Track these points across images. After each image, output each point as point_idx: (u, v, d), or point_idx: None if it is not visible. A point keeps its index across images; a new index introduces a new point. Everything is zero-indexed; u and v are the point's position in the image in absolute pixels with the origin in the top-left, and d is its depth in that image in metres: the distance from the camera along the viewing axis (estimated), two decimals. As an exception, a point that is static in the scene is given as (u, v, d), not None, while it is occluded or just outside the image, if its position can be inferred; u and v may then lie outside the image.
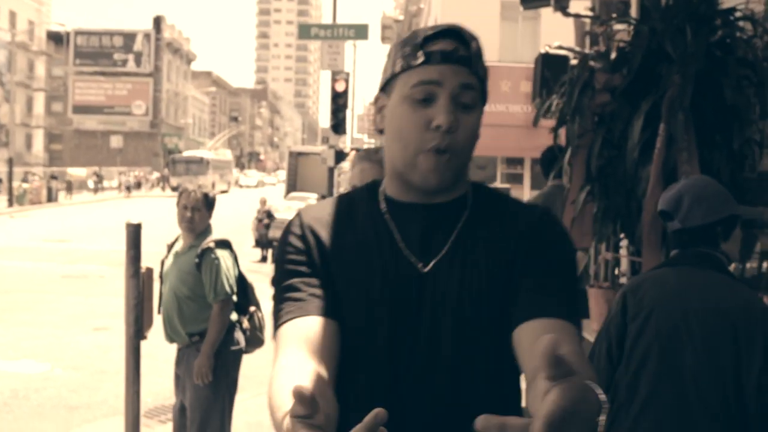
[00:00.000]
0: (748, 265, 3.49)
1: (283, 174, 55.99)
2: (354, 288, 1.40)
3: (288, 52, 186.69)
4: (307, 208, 1.52)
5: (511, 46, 19.42)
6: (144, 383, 4.15)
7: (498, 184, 16.89)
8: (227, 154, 60.02)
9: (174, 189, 44.68)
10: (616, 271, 4.10)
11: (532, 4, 6.70)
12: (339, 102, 18.95)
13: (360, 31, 18.66)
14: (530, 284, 1.36)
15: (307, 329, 1.35)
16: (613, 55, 3.68)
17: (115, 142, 55.05)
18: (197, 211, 4.06)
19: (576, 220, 3.54)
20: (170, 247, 4.26)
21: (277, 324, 1.38)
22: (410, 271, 1.40)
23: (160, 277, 4.15)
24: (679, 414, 2.18)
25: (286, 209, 20.69)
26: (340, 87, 18.50)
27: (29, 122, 52.15)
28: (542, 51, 5.75)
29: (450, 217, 1.43)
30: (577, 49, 5.68)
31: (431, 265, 1.40)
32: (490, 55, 11.79)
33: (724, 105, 3.04)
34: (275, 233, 17.59)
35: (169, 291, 4.08)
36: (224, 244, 4.14)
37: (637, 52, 3.32)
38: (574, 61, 4.92)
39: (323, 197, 19.62)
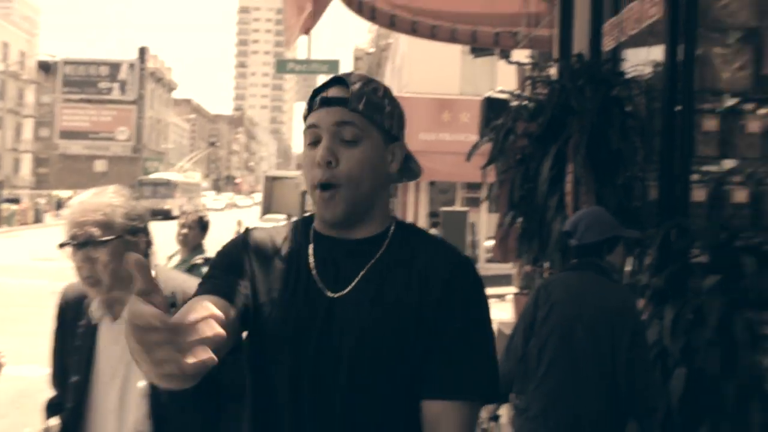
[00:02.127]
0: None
1: (258, 196, 55.64)
2: (267, 306, 1.43)
3: (265, 80, 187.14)
4: (254, 228, 1.57)
5: (471, 80, 20.01)
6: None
7: (458, 207, 17.55)
8: (196, 177, 57.21)
9: None
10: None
11: (480, 53, 7.40)
12: (312, 131, 19.50)
13: (332, 66, 19.24)
14: (442, 349, 1.37)
15: (211, 301, 1.27)
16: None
17: (99, 166, 55.15)
18: (191, 230, 4.63)
19: (502, 240, 4.16)
20: (170, 258, 4.82)
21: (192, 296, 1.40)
22: (318, 298, 1.41)
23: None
24: (573, 378, 2.88)
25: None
26: (313, 117, 19.02)
27: (18, 147, 52.02)
28: (486, 95, 6.41)
29: (365, 253, 1.44)
30: (517, 92, 6.35)
31: (339, 294, 1.41)
32: (452, 89, 12.42)
33: (612, 149, 3.69)
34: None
35: (162, 298, 4.66)
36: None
37: (548, 105, 3.96)
38: (515, 103, 5.59)
39: (290, 218, 20.14)
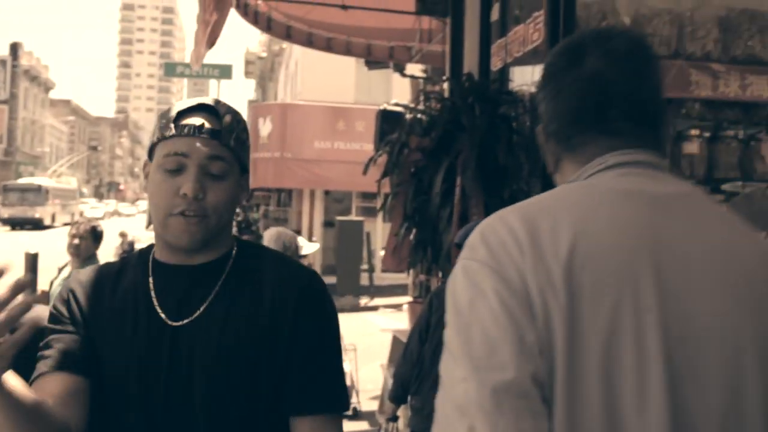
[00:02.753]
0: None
1: (144, 204, 53.62)
2: (108, 347, 1.42)
3: (150, 82, 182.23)
4: (76, 273, 1.55)
5: (366, 88, 20.23)
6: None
7: (353, 216, 17.79)
8: (72, 182, 53.40)
9: (5, 222, 39.12)
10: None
11: (375, 66, 7.67)
12: (203, 137, 19.26)
13: (224, 71, 19.19)
14: (299, 369, 1.41)
15: (53, 385, 1.36)
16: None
17: (-33, 170, 52.20)
18: (83, 240, 4.66)
19: (396, 249, 4.42)
20: (60, 269, 4.82)
21: (34, 378, 1.39)
22: (161, 328, 1.42)
23: (48, 295, 4.72)
24: None
25: (148, 239, 20.70)
26: (204, 123, 18.79)
27: None
28: (381, 108, 6.67)
29: (210, 277, 1.45)
30: (411, 105, 6.65)
31: (185, 321, 1.42)
32: (347, 97, 12.64)
33: (499, 164, 4.02)
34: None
35: (54, 309, 4.66)
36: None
37: (440, 122, 4.25)
38: (409, 116, 5.87)
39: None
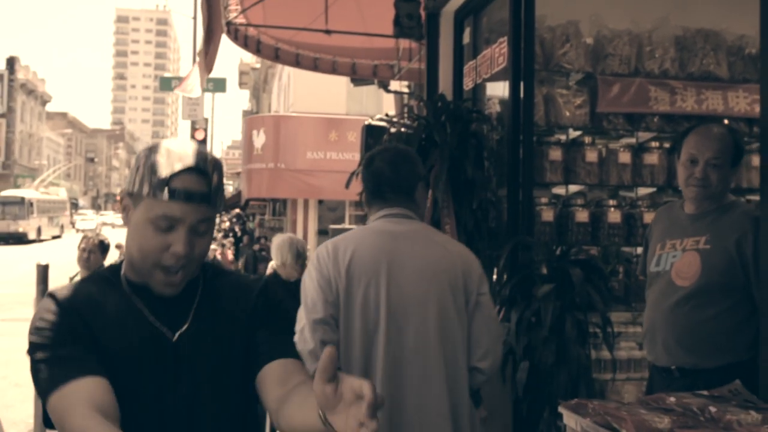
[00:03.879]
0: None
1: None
2: (119, 355, 1.52)
3: (145, 93, 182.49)
4: (58, 291, 1.61)
5: (357, 100, 20.52)
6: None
7: (347, 224, 18.10)
8: (61, 193, 50.74)
9: None
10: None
11: (360, 82, 8.02)
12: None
13: (218, 85, 19.47)
14: (265, 337, 1.61)
15: (89, 389, 1.42)
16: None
17: (-35, 183, 52.36)
18: (93, 253, 5.01)
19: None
20: (71, 279, 5.17)
21: (53, 386, 1.44)
22: (163, 340, 1.56)
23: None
24: None
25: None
26: (199, 136, 19.09)
27: None
28: (366, 123, 7.00)
29: (187, 294, 1.61)
30: (395, 120, 6.99)
31: (178, 335, 1.57)
32: (338, 109, 12.97)
33: (468, 177, 4.36)
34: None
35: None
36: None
37: (415, 138, 4.59)
38: (393, 130, 6.20)
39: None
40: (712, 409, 1.95)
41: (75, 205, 68.83)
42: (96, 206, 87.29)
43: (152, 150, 1.55)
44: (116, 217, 68.51)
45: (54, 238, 42.67)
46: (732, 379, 2.26)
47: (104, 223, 57.37)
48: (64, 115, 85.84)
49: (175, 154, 1.52)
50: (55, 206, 45.58)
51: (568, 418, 2.09)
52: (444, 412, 2.50)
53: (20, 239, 37.17)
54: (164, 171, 1.49)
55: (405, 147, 2.91)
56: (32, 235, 38.78)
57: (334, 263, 2.48)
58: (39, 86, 69.70)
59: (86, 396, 1.39)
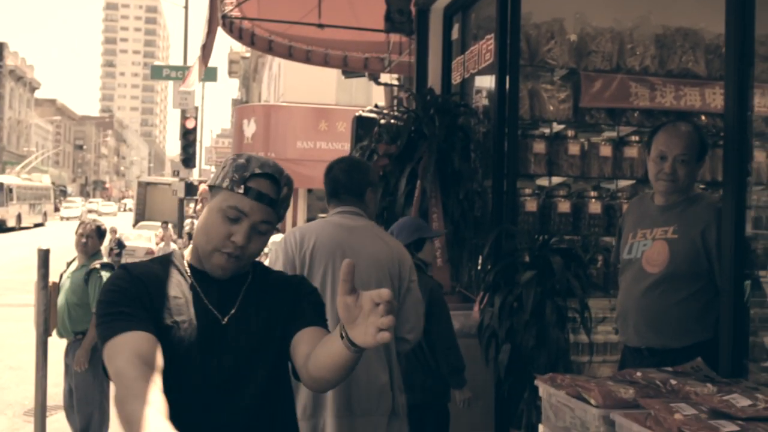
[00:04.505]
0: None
1: (130, 202, 52.18)
2: (173, 328, 1.73)
3: (134, 81, 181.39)
4: (130, 265, 1.82)
5: (347, 90, 20.58)
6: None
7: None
8: (45, 179, 48.45)
9: None
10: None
11: (351, 75, 8.17)
12: (189, 138, 19.59)
13: (209, 74, 19.46)
14: (302, 315, 1.82)
15: (137, 340, 1.61)
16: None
17: (-47, 169, 52.01)
18: (90, 239, 5.14)
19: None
20: (69, 264, 5.30)
21: (111, 334, 1.63)
22: (214, 320, 1.77)
23: (59, 286, 5.20)
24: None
25: (136, 237, 21.00)
26: (190, 124, 19.15)
27: None
28: (357, 114, 7.16)
29: (237, 284, 1.83)
30: (385, 111, 7.14)
31: (227, 318, 1.78)
32: (328, 99, 13.03)
33: (455, 168, 4.53)
34: (126, 261, 17.92)
35: (62, 298, 5.15)
36: (107, 267, 5.24)
37: (404, 131, 4.76)
38: (383, 121, 6.36)
39: (165, 224, 20.11)
40: (673, 381, 2.14)
41: (63, 192, 68.08)
42: (84, 193, 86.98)
43: (241, 156, 1.82)
44: (103, 205, 66.84)
45: (36, 225, 41.57)
46: (696, 357, 2.45)
47: (90, 211, 55.40)
48: (52, 102, 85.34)
49: (258, 162, 1.79)
50: (38, 193, 44.11)
51: (543, 391, 2.27)
52: (383, 364, 3.06)
53: None
54: (246, 171, 1.75)
55: (359, 158, 3.59)
56: (11, 223, 37.51)
57: (299, 248, 3.02)
58: (28, 73, 69.26)
59: (133, 345, 1.59)
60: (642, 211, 3.09)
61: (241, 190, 1.74)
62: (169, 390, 1.55)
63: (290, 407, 1.92)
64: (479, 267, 4.50)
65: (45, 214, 45.11)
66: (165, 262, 1.86)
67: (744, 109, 2.67)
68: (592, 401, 2.02)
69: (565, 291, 4.00)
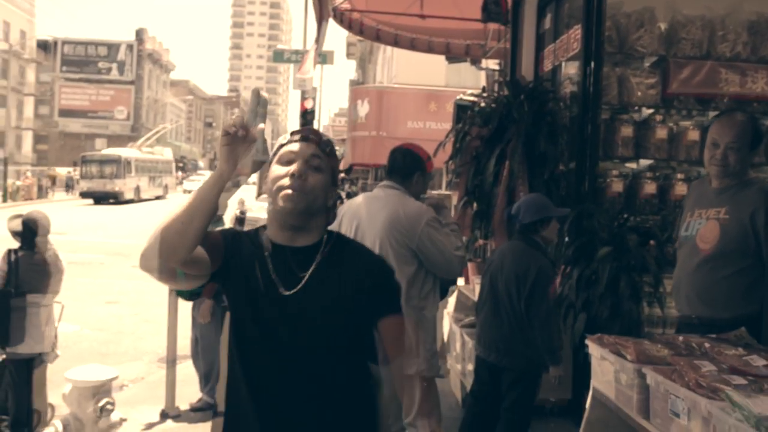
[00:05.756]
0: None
1: (254, 176, 53.92)
2: (242, 290, 1.86)
3: (259, 62, 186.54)
4: (242, 233, 1.97)
5: (456, 72, 20.65)
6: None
7: (443, 191, 18.46)
8: (166, 153, 47.32)
9: (84, 195, 35.90)
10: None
11: (454, 60, 8.41)
12: (307, 118, 20.21)
13: (326, 57, 20.09)
14: (382, 301, 1.89)
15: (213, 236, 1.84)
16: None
17: (99, 144, 55.59)
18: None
19: (460, 218, 5.19)
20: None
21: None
22: (276, 292, 1.83)
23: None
24: (494, 313, 4.02)
25: (258, 209, 22.03)
26: (308, 105, 19.74)
27: (20, 124, 52.38)
28: (456, 100, 7.40)
29: (309, 257, 1.87)
30: (485, 95, 7.35)
31: (292, 292, 1.83)
32: (438, 81, 13.19)
33: (541, 151, 4.73)
34: (247, 228, 18.66)
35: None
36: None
37: (495, 114, 4.98)
38: (482, 104, 6.58)
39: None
40: (707, 345, 2.33)
41: (195, 167, 71.52)
42: (213, 167, 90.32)
43: None
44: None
45: (157, 198, 40.85)
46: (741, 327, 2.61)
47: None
48: (185, 82, 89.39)
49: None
50: (158, 166, 43.31)
51: (592, 348, 2.51)
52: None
53: (116, 198, 35.55)
54: (289, 133, 1.99)
55: (417, 150, 3.85)
56: (129, 195, 36.87)
57: (346, 210, 3.68)
58: (164, 55, 72.79)
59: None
60: (700, 192, 3.23)
61: (287, 139, 1.94)
62: (240, 354, 1.81)
63: (361, 383, 1.91)
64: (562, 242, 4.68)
65: (166, 186, 44.52)
66: (255, 233, 1.97)
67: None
68: (628, 357, 2.25)
69: (640, 267, 4.14)
